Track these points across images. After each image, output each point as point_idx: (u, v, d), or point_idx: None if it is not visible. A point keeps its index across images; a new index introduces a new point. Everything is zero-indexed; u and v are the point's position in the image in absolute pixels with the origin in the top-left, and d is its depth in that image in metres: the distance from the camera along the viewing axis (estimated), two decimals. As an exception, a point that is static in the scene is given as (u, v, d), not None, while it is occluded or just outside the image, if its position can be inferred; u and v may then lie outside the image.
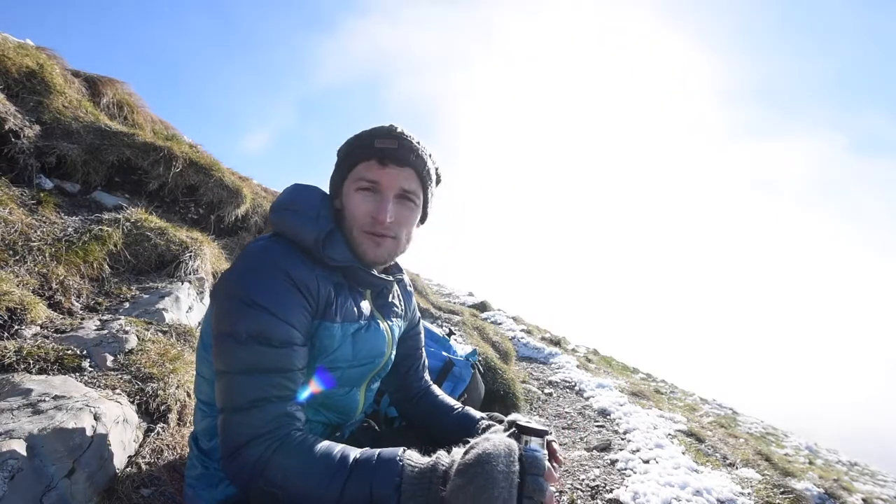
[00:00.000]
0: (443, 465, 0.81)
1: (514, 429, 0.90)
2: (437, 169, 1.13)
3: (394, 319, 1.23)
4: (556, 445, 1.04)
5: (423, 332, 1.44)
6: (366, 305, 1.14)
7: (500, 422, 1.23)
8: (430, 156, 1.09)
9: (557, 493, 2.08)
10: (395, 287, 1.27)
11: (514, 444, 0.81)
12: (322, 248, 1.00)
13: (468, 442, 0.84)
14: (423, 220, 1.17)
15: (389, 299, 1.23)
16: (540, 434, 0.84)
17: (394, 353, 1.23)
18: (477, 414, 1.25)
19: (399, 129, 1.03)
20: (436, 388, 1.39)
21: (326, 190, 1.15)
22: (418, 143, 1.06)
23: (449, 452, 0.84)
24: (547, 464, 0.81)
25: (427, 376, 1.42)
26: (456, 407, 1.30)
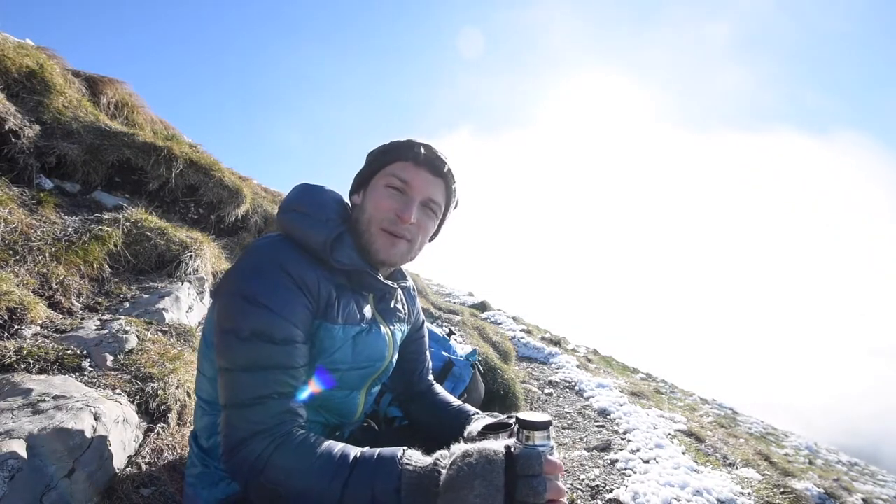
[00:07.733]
0: (440, 468, 0.79)
1: (516, 425, 0.89)
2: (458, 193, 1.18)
3: (396, 324, 1.23)
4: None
5: (427, 335, 1.44)
6: (368, 309, 1.14)
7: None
8: (457, 178, 1.15)
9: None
10: (399, 292, 1.27)
11: (497, 455, 0.77)
12: (330, 252, 1.01)
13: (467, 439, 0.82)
14: (433, 236, 1.19)
15: (392, 304, 1.23)
16: (543, 427, 0.79)
17: (395, 357, 1.23)
18: (472, 409, 1.25)
19: (436, 145, 1.09)
20: (437, 387, 1.40)
21: (336, 189, 1.17)
22: (451, 161, 1.11)
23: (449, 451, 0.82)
24: (550, 458, 0.78)
25: (431, 378, 1.43)
26: (453, 403, 1.30)
